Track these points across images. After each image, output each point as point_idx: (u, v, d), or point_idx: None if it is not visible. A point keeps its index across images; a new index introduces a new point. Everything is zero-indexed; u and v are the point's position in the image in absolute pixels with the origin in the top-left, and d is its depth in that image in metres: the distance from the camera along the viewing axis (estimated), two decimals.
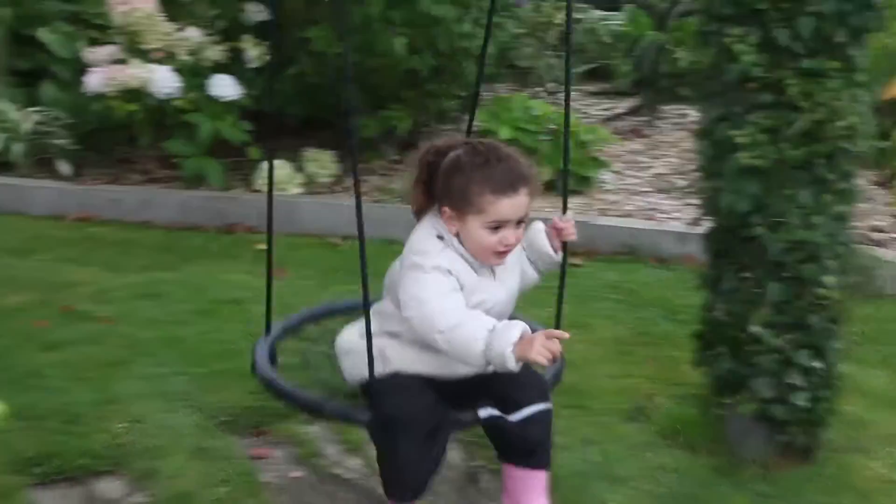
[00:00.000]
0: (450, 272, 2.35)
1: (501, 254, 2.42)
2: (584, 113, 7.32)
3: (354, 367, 2.51)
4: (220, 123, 5.44)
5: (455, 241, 2.41)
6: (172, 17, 5.73)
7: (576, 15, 6.84)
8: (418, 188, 2.51)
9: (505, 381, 2.34)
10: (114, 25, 5.77)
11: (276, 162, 5.40)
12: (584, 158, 5.60)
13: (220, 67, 5.58)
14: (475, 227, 2.37)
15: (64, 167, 5.70)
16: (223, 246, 5.11)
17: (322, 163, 5.69)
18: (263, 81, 5.55)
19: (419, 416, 2.32)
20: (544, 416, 2.42)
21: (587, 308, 4.29)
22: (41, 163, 5.79)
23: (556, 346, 2.21)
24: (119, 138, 5.97)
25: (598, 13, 8.03)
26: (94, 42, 6.11)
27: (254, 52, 5.57)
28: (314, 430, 3.34)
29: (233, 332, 3.95)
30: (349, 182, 5.68)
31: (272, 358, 2.78)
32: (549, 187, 4.98)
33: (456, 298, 2.34)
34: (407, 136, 5.97)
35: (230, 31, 5.79)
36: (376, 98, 5.72)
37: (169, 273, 4.65)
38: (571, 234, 2.64)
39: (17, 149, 5.64)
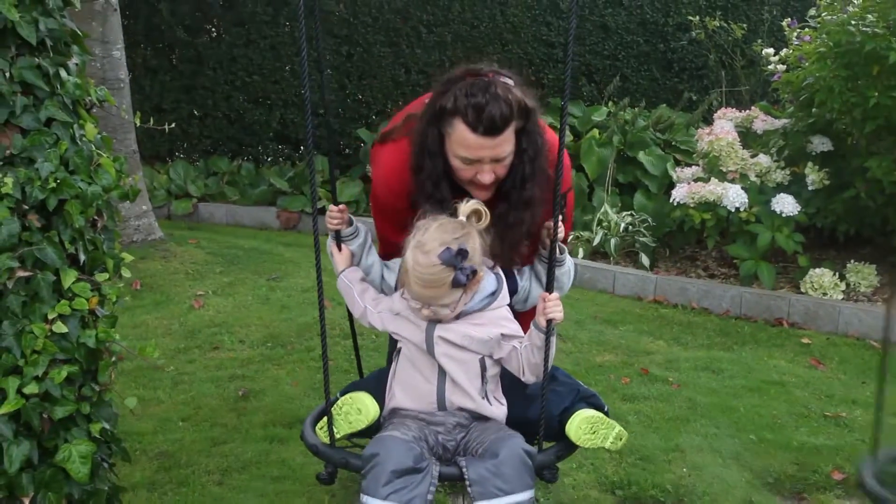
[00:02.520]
0: None
1: None
2: None
3: None
4: (776, 234, 5.36)
5: None
6: (747, 146, 5.82)
7: None
8: None
9: None
10: (697, 151, 5.99)
11: (820, 270, 5.29)
12: None
13: (782, 187, 5.53)
14: None
15: (644, 259, 5.94)
16: (770, 336, 4.99)
17: (864, 274, 5.35)
18: (820, 201, 5.41)
19: None
20: None
21: None
22: (627, 255, 6.11)
23: None
24: (689, 240, 6.13)
25: None
26: (678, 163, 6.40)
27: (814, 176, 5.43)
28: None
29: (778, 409, 3.88)
30: (889, 292, 5.30)
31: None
32: None
33: None
34: None
35: (794, 158, 5.71)
36: None
37: (725, 353, 4.65)
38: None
39: (613, 242, 6.00)
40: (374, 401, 2.24)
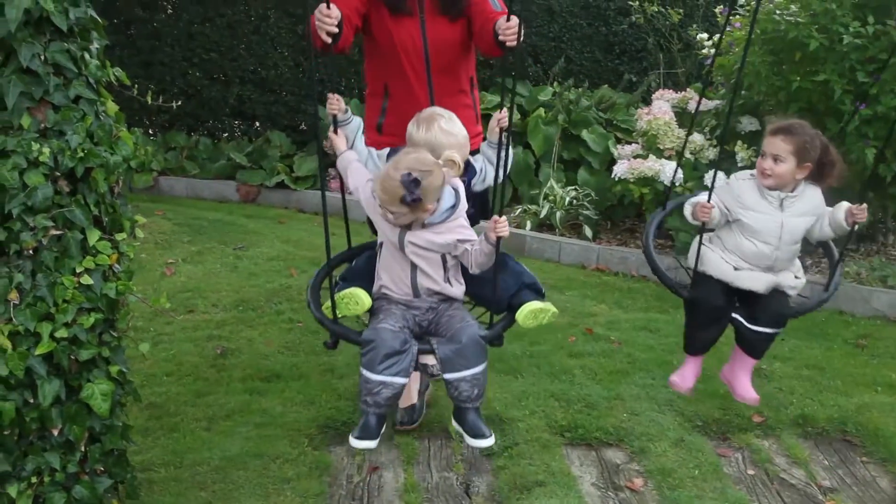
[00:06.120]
0: None
1: None
2: None
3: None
4: None
5: None
6: (682, 125, 6.20)
7: None
8: None
9: (763, 303, 3.14)
10: (636, 129, 6.36)
11: None
12: None
13: (714, 164, 5.88)
14: None
15: (587, 231, 6.26)
16: None
17: None
18: None
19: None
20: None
21: None
22: (572, 227, 6.44)
23: None
24: (629, 213, 6.52)
25: None
26: (619, 141, 6.76)
27: (743, 153, 5.84)
28: (768, 443, 3.57)
29: (708, 363, 4.24)
30: None
31: None
32: None
33: None
34: (865, 230, 5.91)
35: (726, 137, 6.10)
36: (842, 197, 5.70)
37: (661, 315, 5.03)
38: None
39: (558, 215, 6.34)
40: (367, 295, 2.87)
